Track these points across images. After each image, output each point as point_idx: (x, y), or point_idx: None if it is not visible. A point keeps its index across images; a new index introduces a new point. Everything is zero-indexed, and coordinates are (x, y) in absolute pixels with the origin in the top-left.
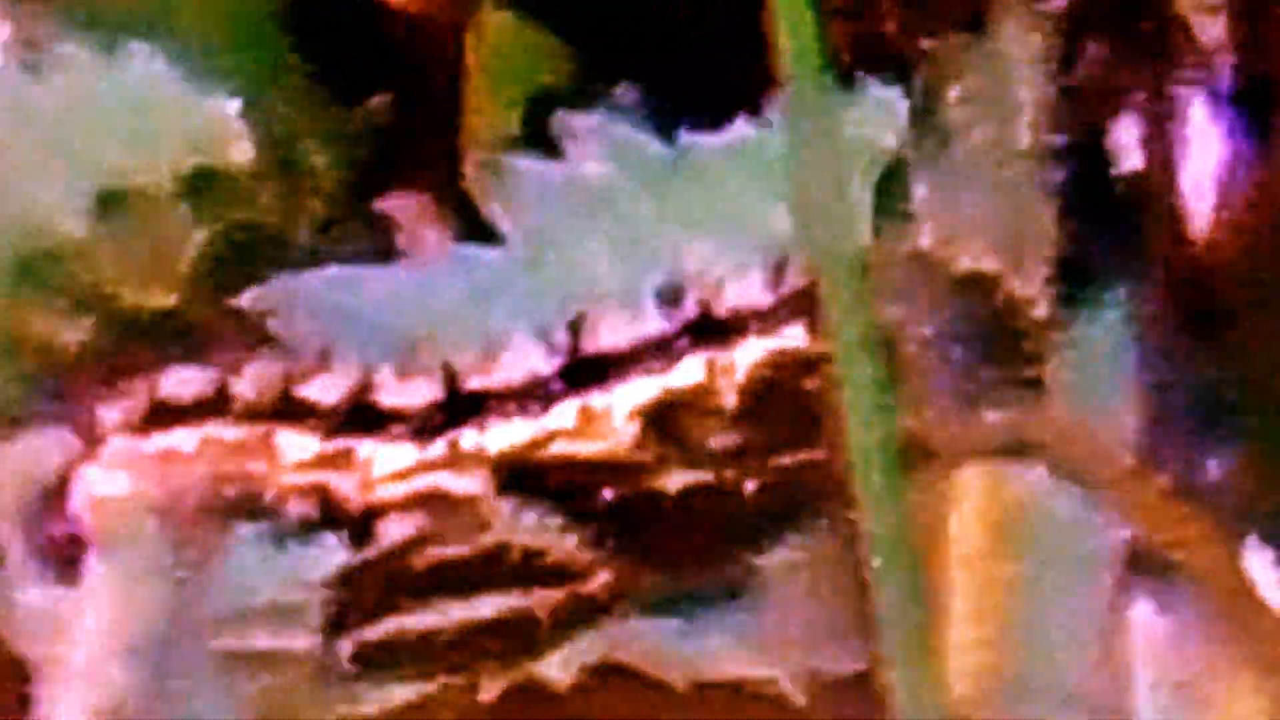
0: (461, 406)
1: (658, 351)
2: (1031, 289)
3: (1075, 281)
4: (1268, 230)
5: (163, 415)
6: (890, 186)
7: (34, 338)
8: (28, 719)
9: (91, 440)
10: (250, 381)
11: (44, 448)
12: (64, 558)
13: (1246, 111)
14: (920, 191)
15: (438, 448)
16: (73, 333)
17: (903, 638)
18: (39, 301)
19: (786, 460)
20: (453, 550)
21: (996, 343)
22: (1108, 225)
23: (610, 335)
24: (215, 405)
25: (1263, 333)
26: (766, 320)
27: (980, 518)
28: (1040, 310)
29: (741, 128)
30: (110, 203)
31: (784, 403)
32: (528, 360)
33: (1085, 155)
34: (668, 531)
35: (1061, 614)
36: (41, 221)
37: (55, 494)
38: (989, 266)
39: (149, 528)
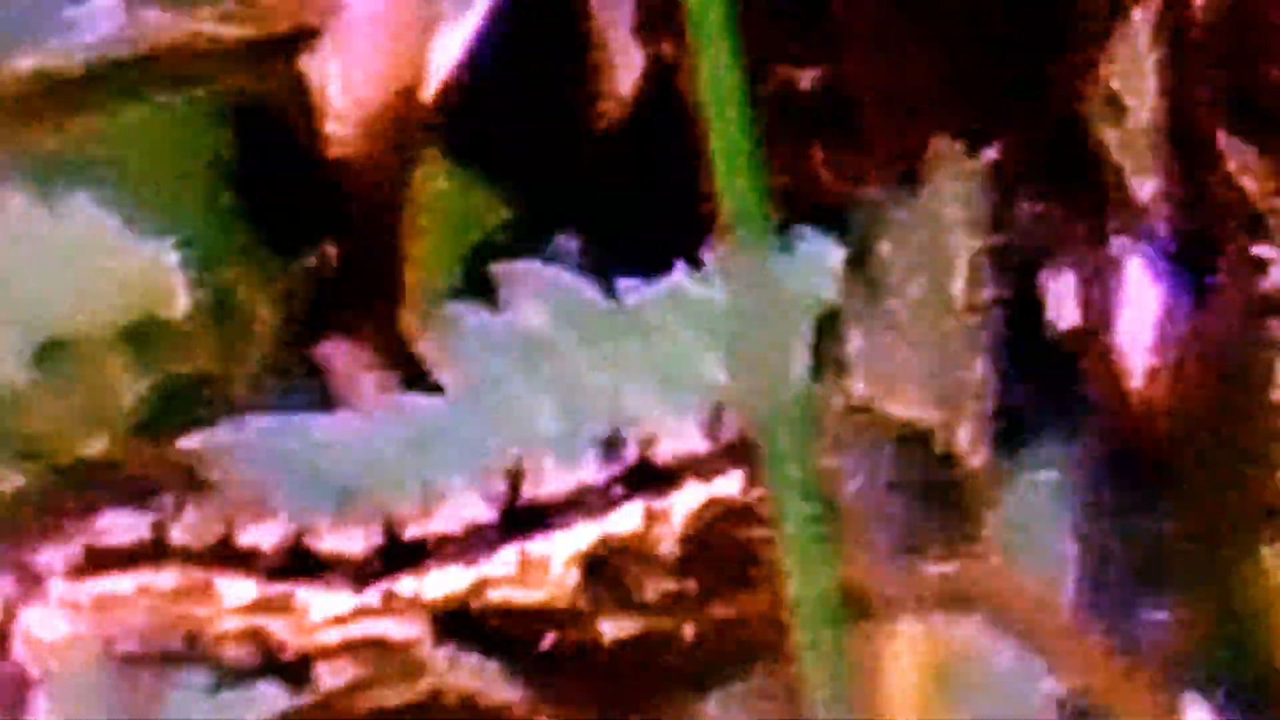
0: (400, 553)
1: (596, 499)
2: (967, 441)
3: (1012, 434)
4: (1203, 383)
5: (100, 560)
6: (826, 337)
7: None
8: None
9: (31, 584)
10: (188, 527)
11: None
12: (11, 698)
13: (1183, 266)
14: (855, 342)
15: (375, 594)
16: (10, 479)
17: None
18: None
19: (725, 608)
20: (390, 696)
21: (933, 494)
22: (1044, 378)
23: (549, 483)
24: (153, 551)
25: (1199, 485)
26: (704, 468)
27: (918, 669)
28: (977, 462)
29: (679, 276)
30: (50, 352)
31: (722, 551)
32: (467, 508)
33: (1020, 308)
34: (606, 679)
35: None
36: None
37: (1, 639)
38: (925, 418)
39: (90, 671)
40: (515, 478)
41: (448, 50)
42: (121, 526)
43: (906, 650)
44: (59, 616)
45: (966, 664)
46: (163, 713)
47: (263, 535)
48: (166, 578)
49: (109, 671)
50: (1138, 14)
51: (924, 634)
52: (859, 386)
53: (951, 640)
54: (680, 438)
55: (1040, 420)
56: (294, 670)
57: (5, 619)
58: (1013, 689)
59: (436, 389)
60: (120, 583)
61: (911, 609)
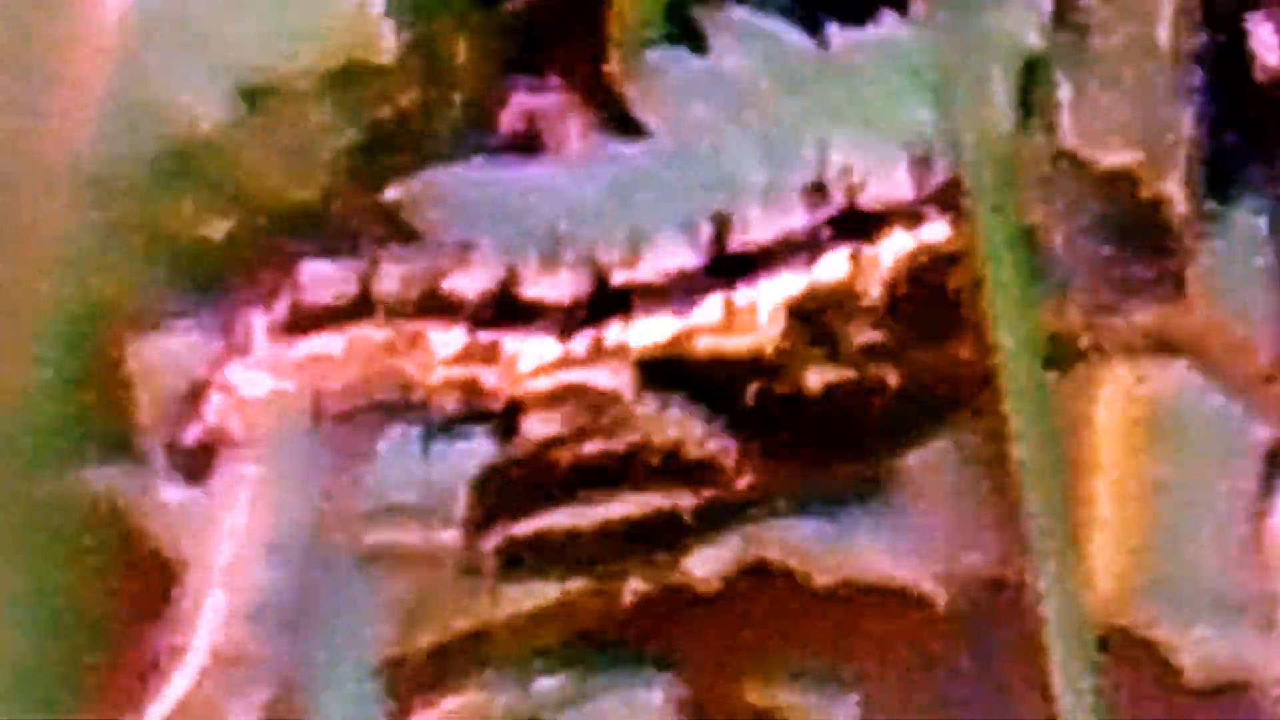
0: (606, 301)
1: (802, 246)
2: (1173, 187)
3: (1216, 181)
4: None
5: (307, 320)
6: (1032, 84)
7: (176, 233)
8: (170, 616)
9: (236, 343)
10: (394, 277)
11: (186, 347)
12: (196, 460)
13: None
14: (1062, 89)
15: (582, 342)
16: (215, 228)
17: (1050, 537)
18: (184, 195)
19: (931, 356)
20: (596, 447)
21: (1139, 241)
22: (1248, 125)
23: (755, 230)
24: (360, 306)
25: None
26: (911, 215)
27: (1124, 416)
28: (1182, 208)
29: (887, 24)
30: (254, 98)
31: (928, 298)
32: (673, 255)
33: (1226, 55)
34: (811, 429)
35: (1204, 512)
36: (185, 116)
37: (193, 395)
38: (1131, 164)
39: (296, 427)
40: (721, 225)
41: None
42: (326, 279)
43: (1113, 397)
44: (264, 374)
45: (1171, 410)
46: (369, 468)
47: (469, 283)
48: (374, 331)
49: (315, 429)
50: None
51: (1130, 380)
52: (1066, 134)
53: (1156, 386)
54: (887, 184)
55: (1246, 166)
56: (502, 420)
57: (206, 375)
58: (1218, 434)
59: (642, 135)
60: (328, 341)
61: (1118, 355)
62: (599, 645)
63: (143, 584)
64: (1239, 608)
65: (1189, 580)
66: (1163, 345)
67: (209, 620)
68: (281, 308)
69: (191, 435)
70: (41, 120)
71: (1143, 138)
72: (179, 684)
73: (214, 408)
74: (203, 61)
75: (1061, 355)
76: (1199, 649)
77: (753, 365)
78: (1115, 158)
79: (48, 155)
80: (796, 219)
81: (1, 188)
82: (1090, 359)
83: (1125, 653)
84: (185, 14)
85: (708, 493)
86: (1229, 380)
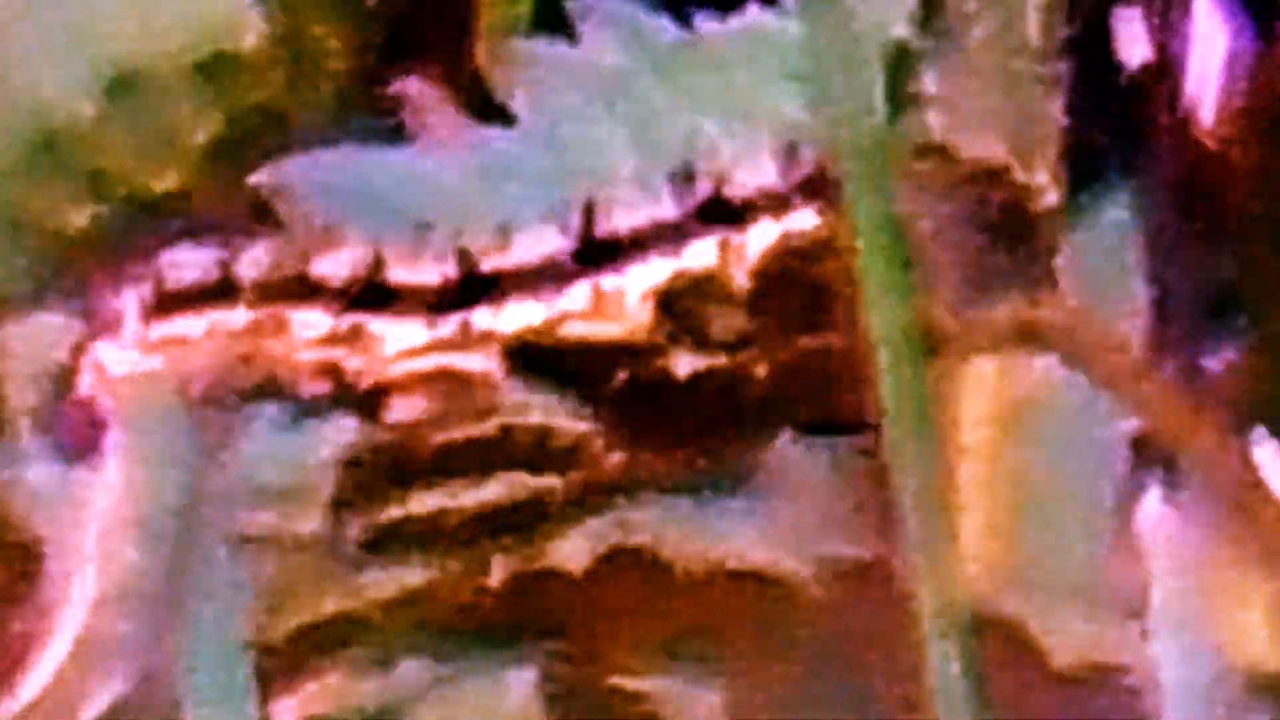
0: (474, 287)
1: (670, 233)
2: (1039, 179)
3: (1082, 172)
4: (1271, 122)
5: (172, 302)
6: (901, 75)
7: (42, 219)
8: (35, 599)
9: (104, 324)
10: (259, 262)
11: (53, 330)
12: (81, 437)
13: (1251, 6)
14: (930, 80)
15: (449, 327)
16: (80, 214)
17: (920, 524)
18: (48, 183)
19: (798, 345)
20: (463, 432)
21: (1006, 233)
22: (1114, 117)
23: (623, 217)
24: (223, 288)
25: (1267, 224)
26: (778, 203)
27: (991, 407)
28: (1049, 200)
29: (756, 13)
30: (121, 86)
31: (796, 286)
32: (541, 242)
33: (1092, 47)
34: (679, 415)
35: (1071, 503)
36: (52, 104)
37: (63, 375)
38: (997, 156)
39: (164, 406)
40: (589, 212)
41: None
42: (191, 263)
43: (980, 387)
44: (132, 354)
45: (1038, 401)
46: (236, 450)
47: (335, 268)
48: (239, 314)
49: (184, 408)
50: None
51: (996, 372)
52: (932, 125)
53: (1023, 378)
54: (755, 172)
55: (1111, 158)
56: (368, 403)
57: (74, 355)
58: (1083, 425)
59: (510, 122)
60: (193, 323)
61: (985, 347)
62: (465, 629)
63: (8, 568)
64: (1106, 595)
65: (1057, 568)
66: (1030, 337)
67: (76, 602)
68: (146, 290)
69: (71, 415)
70: None
71: (1010, 129)
72: (45, 667)
73: (85, 386)
74: (67, 50)
75: (929, 346)
76: (1066, 635)
77: (621, 352)
78: (982, 149)
79: None
80: (664, 207)
81: None
82: (957, 350)
83: (994, 638)
84: (50, 3)
85: (575, 477)
86: (1097, 372)
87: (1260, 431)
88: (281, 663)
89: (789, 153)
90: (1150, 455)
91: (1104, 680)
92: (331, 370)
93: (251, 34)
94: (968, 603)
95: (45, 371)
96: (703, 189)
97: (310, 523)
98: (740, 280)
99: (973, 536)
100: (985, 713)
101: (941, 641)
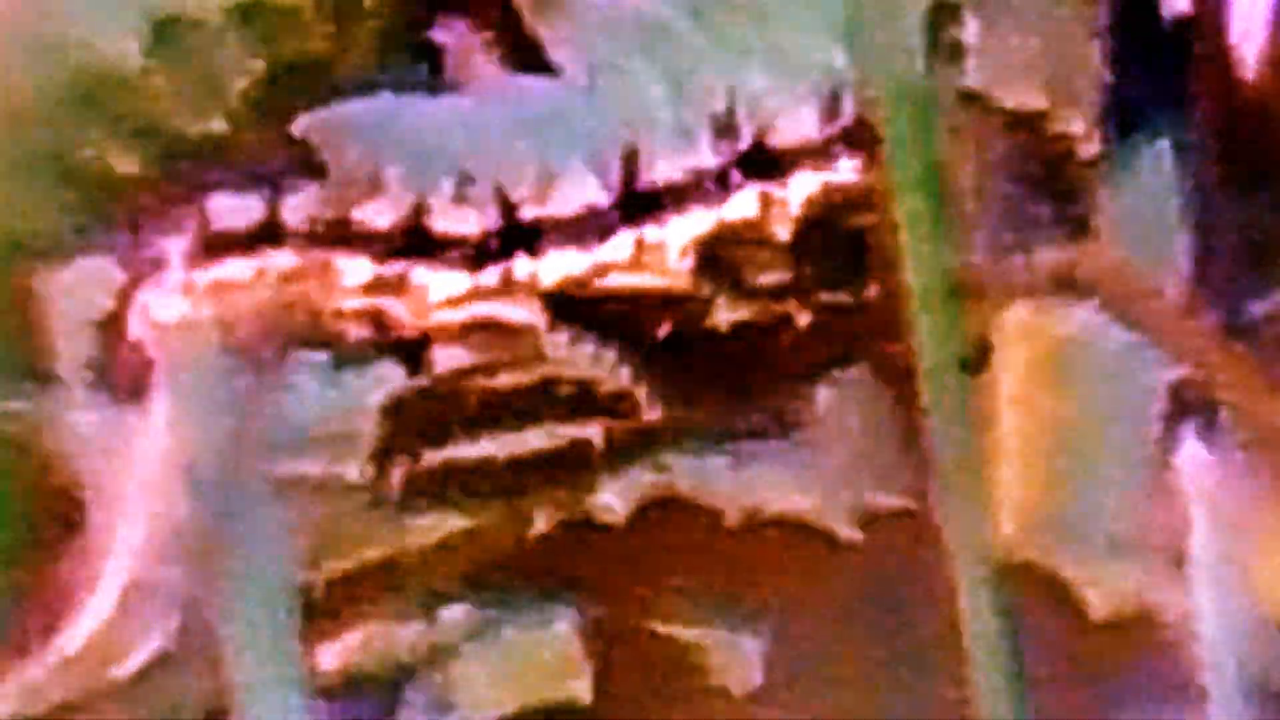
0: (516, 236)
1: (711, 184)
2: (1080, 128)
3: (1124, 121)
4: None
5: (217, 245)
6: (941, 23)
7: (87, 165)
8: (80, 546)
9: (150, 269)
10: (303, 208)
11: (98, 275)
12: (127, 383)
13: None
14: (971, 30)
15: (491, 275)
16: (125, 160)
17: (956, 472)
18: (92, 129)
19: (839, 295)
20: (505, 380)
21: (1046, 181)
22: (1156, 65)
23: (665, 167)
24: (269, 233)
25: None
26: (820, 154)
27: (1028, 356)
28: (1089, 149)
29: None
30: (165, 31)
31: (836, 237)
32: (583, 192)
33: None
34: (720, 365)
35: (1109, 452)
36: (97, 49)
37: (114, 319)
38: (1037, 105)
39: (209, 352)
40: (631, 161)
41: None
42: (235, 209)
43: (1018, 336)
44: (178, 299)
45: (1076, 350)
46: (280, 396)
47: (378, 215)
48: (284, 259)
49: (228, 354)
50: None
51: (1034, 321)
52: (973, 73)
53: (1062, 326)
54: (796, 122)
55: (1153, 107)
56: (411, 351)
57: (120, 301)
58: (1122, 374)
59: (551, 72)
60: (238, 267)
61: (1024, 295)
62: (507, 575)
63: (52, 515)
64: (1144, 544)
65: (1095, 516)
66: (1069, 285)
67: (121, 549)
68: (192, 234)
69: (119, 358)
70: None
71: (1051, 79)
72: (92, 615)
73: (131, 332)
74: None
75: (968, 294)
76: (1104, 584)
77: (662, 302)
78: (1023, 98)
79: None
80: (705, 157)
81: None
82: (996, 298)
83: (1031, 587)
84: None
85: (617, 426)
86: (1136, 319)
87: None
88: (325, 609)
89: (830, 103)
90: (1190, 403)
91: (1142, 629)
92: (375, 317)
93: None
94: (1004, 552)
95: (91, 317)
96: (744, 140)
97: (353, 469)
98: (781, 231)
99: (1010, 485)
100: (1021, 662)
101: (977, 591)
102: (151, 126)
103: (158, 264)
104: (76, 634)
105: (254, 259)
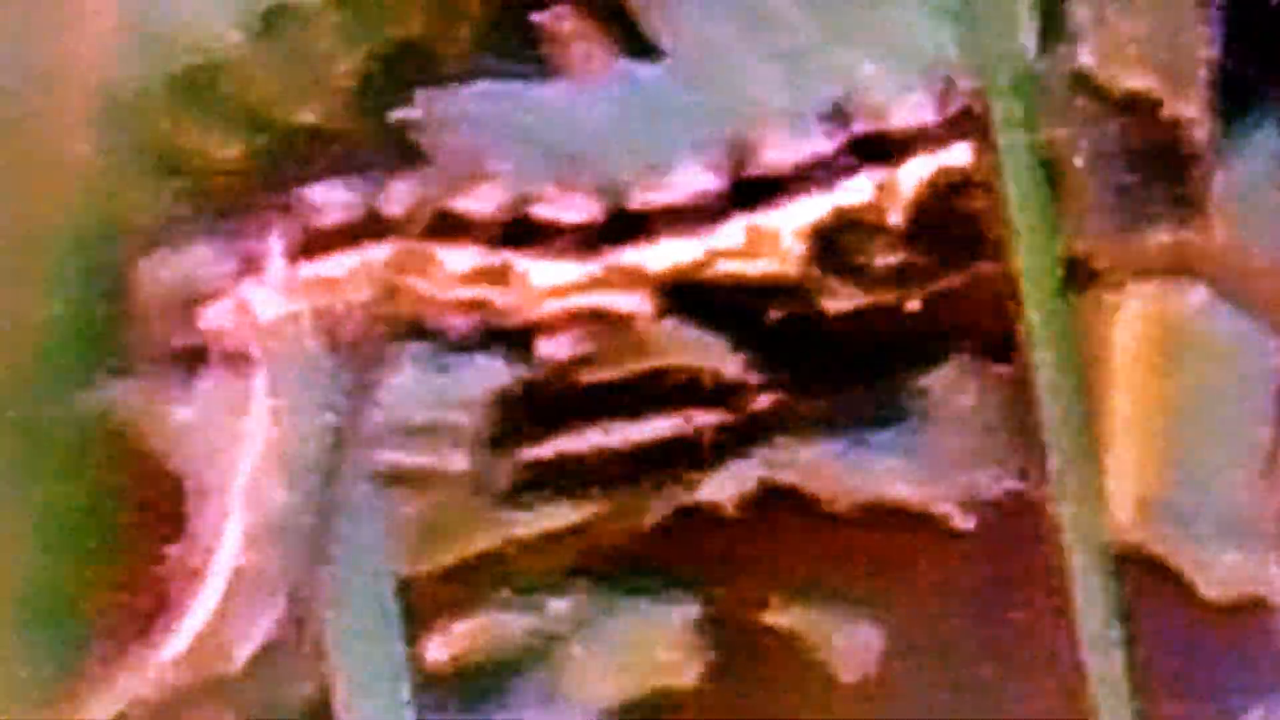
0: (624, 224)
1: (824, 170)
2: (1192, 110)
3: (1235, 102)
4: None
5: (319, 242)
6: (1052, 9)
7: (189, 153)
8: (185, 539)
9: (251, 263)
10: (404, 198)
11: (200, 266)
12: (230, 373)
13: None
14: (1081, 13)
15: (599, 264)
16: (227, 148)
17: (1069, 458)
18: (195, 116)
19: (952, 280)
20: (613, 371)
21: (1158, 164)
22: (1266, 48)
23: (776, 154)
24: (370, 226)
25: None
26: (932, 139)
27: (1142, 337)
28: (1202, 131)
29: None
30: (268, 19)
31: (949, 222)
32: (693, 179)
33: None
34: (832, 352)
35: (1221, 435)
36: (198, 38)
37: (192, 307)
38: (1149, 87)
39: (310, 347)
40: (742, 148)
41: None
42: (336, 201)
43: (1131, 319)
44: (279, 294)
45: (1189, 332)
46: (384, 389)
47: (481, 203)
48: (385, 251)
49: (330, 348)
50: None
51: (1147, 303)
52: (1085, 56)
53: (1175, 308)
54: (908, 108)
55: (1266, 88)
56: (516, 341)
57: (221, 293)
58: (1235, 357)
59: (658, 57)
60: (338, 262)
61: (1137, 278)
62: (617, 567)
63: (156, 505)
64: (1255, 527)
65: (1206, 500)
66: (1181, 267)
67: (228, 541)
68: (293, 230)
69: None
70: (56, 44)
71: (1162, 60)
72: (201, 608)
73: (227, 321)
74: None
75: (1080, 277)
76: (1215, 568)
77: (774, 289)
78: (1134, 80)
79: (63, 79)
80: (818, 143)
81: (19, 113)
82: (1109, 281)
83: (1143, 572)
84: None
85: (727, 416)
86: (1247, 302)
87: None
88: (430, 601)
89: (943, 87)
90: None
91: (1253, 613)
92: (479, 308)
93: None
94: (1115, 536)
95: (191, 308)
96: (856, 125)
97: (459, 461)
98: (894, 216)
99: (1122, 469)
100: (1132, 646)
101: (1088, 575)
102: (253, 115)
103: (258, 258)
104: (189, 626)
105: (355, 253)
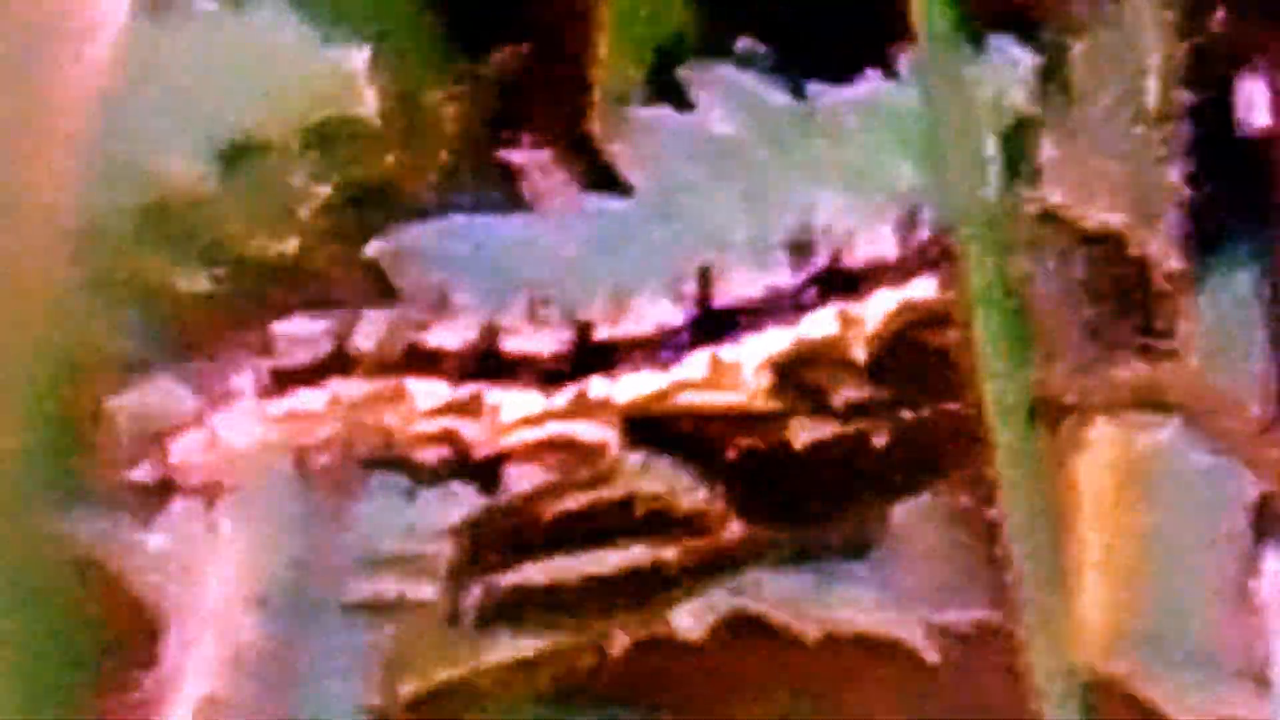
0: (590, 356)
1: (788, 303)
2: (1160, 246)
3: (1204, 239)
4: None
5: (289, 379)
6: (1018, 144)
7: (156, 286)
8: (154, 667)
9: (220, 395)
10: (374, 332)
11: (168, 397)
12: (199, 503)
13: None
14: (1048, 149)
15: (565, 396)
16: (194, 281)
17: (1037, 590)
18: (162, 249)
19: (917, 414)
20: (580, 501)
21: (1127, 299)
22: (1236, 183)
23: (740, 286)
24: (339, 361)
25: None
26: (897, 272)
27: (1111, 472)
28: (1169, 266)
29: (871, 81)
30: (236, 154)
31: (914, 355)
32: (657, 311)
33: (1213, 113)
34: (797, 484)
35: (1192, 569)
36: (166, 172)
37: (162, 439)
38: (1117, 223)
39: (280, 478)
40: (706, 281)
41: None
42: (306, 336)
43: (1099, 453)
44: (249, 425)
45: (1159, 466)
46: (352, 519)
47: (450, 337)
48: (355, 386)
49: (300, 479)
50: None
51: (1117, 437)
52: (1051, 193)
53: (1144, 443)
54: (873, 242)
55: (1233, 224)
56: (485, 472)
57: (189, 425)
58: (1205, 491)
59: (624, 191)
60: (309, 397)
61: (1104, 412)
62: (584, 696)
63: (126, 635)
64: (1227, 661)
65: (1177, 634)
66: (1151, 402)
67: (196, 670)
68: (262, 366)
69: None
70: (25, 175)
71: (1129, 196)
72: None
73: (197, 454)
74: (184, 119)
75: (1050, 411)
76: (1186, 700)
77: (738, 421)
78: (1102, 216)
79: (31, 210)
80: (781, 276)
81: None
82: (1078, 415)
83: (1112, 703)
84: (167, 72)
85: (693, 546)
86: (1218, 437)
87: None
88: None
89: (907, 221)
90: (1272, 520)
91: None
92: (449, 439)
93: (365, 102)
94: (1085, 667)
95: (159, 439)
96: (820, 259)
97: (427, 591)
98: (859, 350)
99: (1092, 601)
100: None
101: (1059, 707)
102: (221, 249)
103: (228, 392)
104: None
105: (325, 388)
